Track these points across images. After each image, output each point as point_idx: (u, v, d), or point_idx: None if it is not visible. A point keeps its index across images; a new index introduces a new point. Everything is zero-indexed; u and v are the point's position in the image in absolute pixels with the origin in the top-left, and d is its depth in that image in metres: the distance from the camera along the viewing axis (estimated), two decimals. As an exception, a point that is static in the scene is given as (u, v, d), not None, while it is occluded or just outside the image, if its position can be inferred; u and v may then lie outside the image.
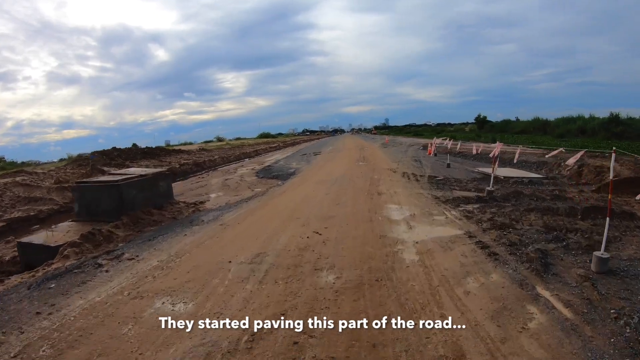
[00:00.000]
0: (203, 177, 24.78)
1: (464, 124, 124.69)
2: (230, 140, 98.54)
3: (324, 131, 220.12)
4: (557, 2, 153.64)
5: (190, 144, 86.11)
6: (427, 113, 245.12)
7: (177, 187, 19.45)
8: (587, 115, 53.69)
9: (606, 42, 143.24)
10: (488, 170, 16.69)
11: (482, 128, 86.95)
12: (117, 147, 38.26)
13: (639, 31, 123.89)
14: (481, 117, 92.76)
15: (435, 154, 27.60)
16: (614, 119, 48.64)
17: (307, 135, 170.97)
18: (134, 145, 44.74)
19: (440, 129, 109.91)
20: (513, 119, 79.07)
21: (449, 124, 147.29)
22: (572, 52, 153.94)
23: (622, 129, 45.96)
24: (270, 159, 36.35)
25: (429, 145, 31.19)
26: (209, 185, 20.10)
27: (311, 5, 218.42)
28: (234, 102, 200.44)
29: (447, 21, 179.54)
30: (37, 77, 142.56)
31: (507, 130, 63.93)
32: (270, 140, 67.38)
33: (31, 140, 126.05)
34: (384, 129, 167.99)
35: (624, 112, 48.64)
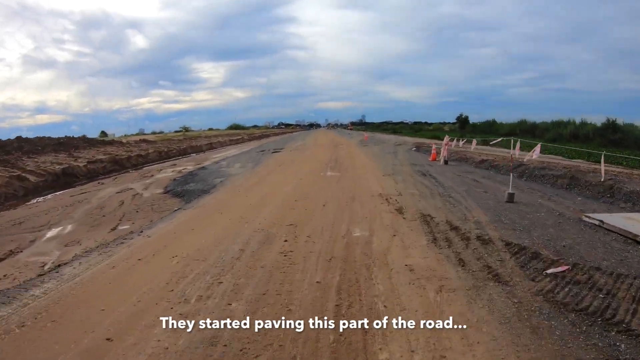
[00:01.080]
0: (101, 184, 16.12)
1: (442, 123, 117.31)
2: (201, 130, 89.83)
3: (299, 125, 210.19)
4: (535, 9, 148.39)
5: (162, 132, 77.96)
6: (403, 112, 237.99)
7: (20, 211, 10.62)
8: (558, 120, 51.89)
9: (581, 51, 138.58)
10: (620, 221, 7.55)
11: (464, 128, 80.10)
12: (24, 137, 29.37)
13: (612, 41, 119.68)
14: (463, 116, 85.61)
15: (446, 162, 18.40)
16: (611, 125, 43.62)
17: (281, 128, 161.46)
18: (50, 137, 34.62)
19: (418, 127, 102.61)
20: (479, 121, 73.16)
21: (427, 123, 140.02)
22: (549, 59, 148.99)
23: (621, 137, 41.22)
24: (217, 156, 27.59)
25: (432, 147, 22.19)
26: (73, 209, 11.15)
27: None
28: (210, 93, 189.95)
29: (428, 22, 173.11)
30: (12, 59, 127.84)
31: (491, 132, 58.53)
32: (234, 133, 58.54)
33: (3, 125, 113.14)
34: (361, 125, 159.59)
35: (596, 120, 46.69)
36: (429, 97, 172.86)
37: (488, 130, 61.52)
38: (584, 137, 43.32)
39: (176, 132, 79.64)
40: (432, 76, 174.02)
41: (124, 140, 41.08)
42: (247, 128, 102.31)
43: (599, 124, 44.78)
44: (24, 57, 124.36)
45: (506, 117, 70.94)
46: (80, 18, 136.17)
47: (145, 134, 72.28)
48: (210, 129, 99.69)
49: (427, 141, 35.85)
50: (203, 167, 19.91)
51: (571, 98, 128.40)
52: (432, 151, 20.68)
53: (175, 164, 23.22)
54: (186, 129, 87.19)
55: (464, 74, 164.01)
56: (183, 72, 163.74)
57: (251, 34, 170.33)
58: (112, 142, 39.29)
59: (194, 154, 32.25)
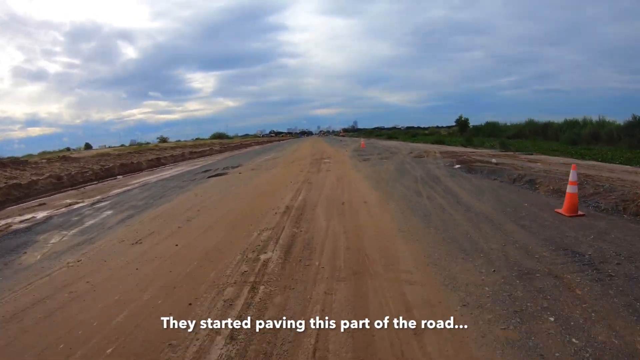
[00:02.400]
0: None
1: (437, 127, 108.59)
2: (179, 141, 79.40)
3: (291, 133, 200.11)
4: (522, 11, 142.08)
5: (148, 144, 68.71)
6: (395, 117, 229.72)
7: None
8: (547, 120, 47.26)
9: (569, 52, 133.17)
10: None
11: (465, 131, 69.62)
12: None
13: (599, 42, 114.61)
14: (462, 119, 75.07)
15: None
16: (638, 124, 36.16)
17: (271, 136, 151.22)
18: None
19: (413, 132, 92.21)
20: (480, 123, 63.68)
21: (420, 127, 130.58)
22: (537, 60, 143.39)
23: (657, 136, 32.65)
24: (133, 182, 16.57)
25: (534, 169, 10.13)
26: None
27: (283, 7, 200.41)
28: (202, 102, 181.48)
29: (416, 27, 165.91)
30: (2, 72, 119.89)
31: (497, 135, 50.44)
32: (209, 143, 47.27)
33: None
34: (353, 132, 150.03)
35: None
36: (418, 101, 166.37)
37: (492, 133, 53.06)
38: (607, 138, 36.78)
39: (158, 143, 69.19)
40: (421, 80, 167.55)
41: (43, 159, 30.02)
42: (231, 137, 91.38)
43: (620, 122, 37.54)
44: (14, 69, 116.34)
45: (496, 119, 63.92)
46: (70, 29, 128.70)
47: (112, 147, 61.78)
48: (197, 139, 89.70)
49: (445, 148, 25.01)
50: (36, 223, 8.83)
51: (560, 98, 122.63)
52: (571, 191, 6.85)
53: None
54: (163, 140, 76.53)
55: (453, 78, 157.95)
56: (174, 83, 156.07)
57: (242, 42, 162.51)
58: (25, 162, 28.23)
59: (120, 177, 21.32)
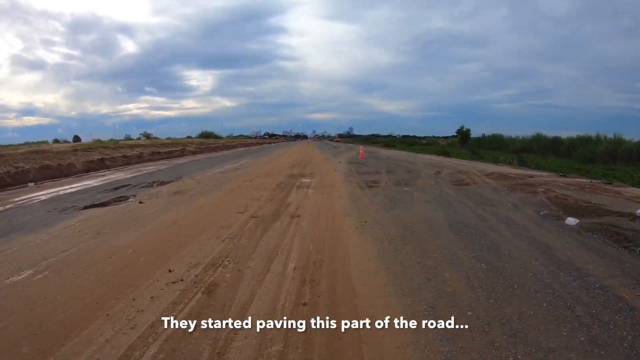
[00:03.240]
0: None
1: (435, 137, 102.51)
2: (177, 138, 72.45)
3: (286, 135, 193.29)
4: (521, 26, 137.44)
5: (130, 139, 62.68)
6: (390, 125, 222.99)
7: None
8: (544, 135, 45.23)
9: (565, 68, 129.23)
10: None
11: (466, 142, 63.13)
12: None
13: (596, 59, 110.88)
14: (464, 129, 68.57)
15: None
16: (664, 142, 31.87)
17: (264, 138, 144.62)
18: None
19: (411, 141, 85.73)
20: (479, 135, 57.94)
21: (415, 137, 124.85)
22: (534, 75, 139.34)
23: (689, 156, 29.21)
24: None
25: None
26: None
27: (283, 10, 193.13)
28: (199, 101, 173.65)
29: (415, 37, 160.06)
30: (0, 59, 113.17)
31: (501, 148, 45.99)
32: (186, 143, 39.84)
33: None
34: (348, 137, 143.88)
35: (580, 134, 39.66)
36: (413, 110, 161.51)
37: (496, 146, 48.59)
38: (626, 157, 33.17)
39: (142, 138, 62.22)
40: (418, 90, 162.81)
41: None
42: (220, 137, 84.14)
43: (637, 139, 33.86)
44: (12, 57, 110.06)
45: (492, 132, 60.27)
46: (70, 20, 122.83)
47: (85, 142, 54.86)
48: (189, 137, 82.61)
49: (469, 165, 18.42)
50: None
51: (555, 114, 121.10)
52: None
53: None
54: (147, 136, 69.43)
55: (449, 89, 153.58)
56: (172, 79, 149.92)
57: (241, 43, 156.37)
58: None
59: (32, 184, 14.39)
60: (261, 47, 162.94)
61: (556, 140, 49.58)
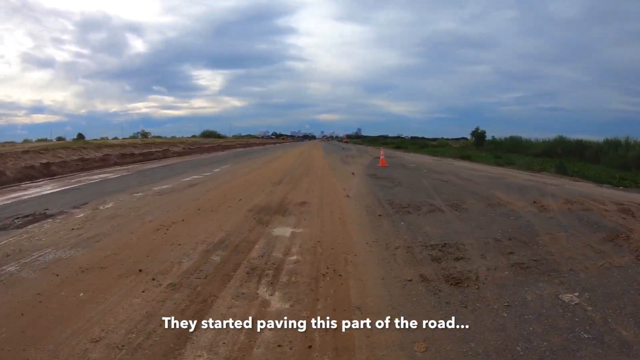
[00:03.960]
0: None
1: (446, 139, 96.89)
2: (182, 137, 67.75)
3: (294, 136, 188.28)
4: (529, 29, 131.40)
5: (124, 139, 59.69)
6: (398, 126, 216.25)
7: None
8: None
9: (573, 71, 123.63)
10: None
11: (481, 145, 57.24)
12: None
13: (603, 62, 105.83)
14: (479, 131, 62.59)
15: None
16: None
17: (272, 138, 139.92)
18: None
19: (422, 143, 79.89)
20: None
21: (423, 138, 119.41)
22: (541, 78, 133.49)
23: None
24: None
25: None
26: None
27: (292, 10, 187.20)
28: (208, 100, 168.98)
29: (424, 38, 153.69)
30: (10, 56, 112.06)
31: (520, 151, 41.02)
32: (165, 142, 34.20)
33: None
34: (357, 138, 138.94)
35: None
36: (421, 112, 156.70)
37: (514, 149, 43.05)
38: None
39: (135, 137, 57.46)
40: (426, 91, 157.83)
41: None
42: (223, 137, 78.99)
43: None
44: (22, 55, 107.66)
45: (499, 134, 55.92)
46: (80, 19, 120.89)
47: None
48: (194, 136, 77.80)
49: (512, 174, 12.47)
50: None
51: (563, 117, 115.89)
52: None
53: None
54: (145, 134, 64.18)
55: (457, 91, 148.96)
56: (180, 79, 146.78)
57: (250, 43, 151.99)
58: None
59: None
60: (270, 47, 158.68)
61: (582, 144, 43.82)
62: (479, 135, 62.36)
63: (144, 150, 27.10)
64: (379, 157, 19.21)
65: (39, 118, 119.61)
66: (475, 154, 37.65)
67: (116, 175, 14.76)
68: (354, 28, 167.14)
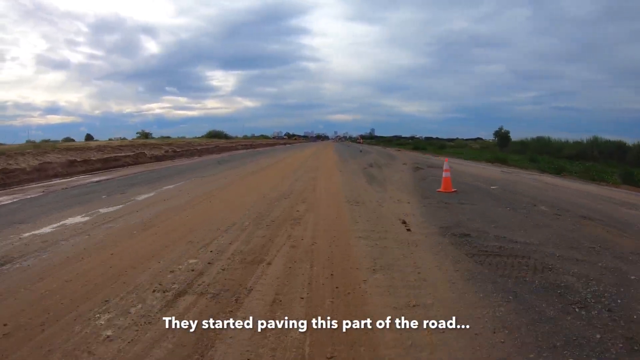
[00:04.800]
0: None
1: (464, 139, 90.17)
2: (195, 137, 62.69)
3: (307, 136, 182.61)
4: (543, 27, 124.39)
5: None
6: (412, 126, 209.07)
7: None
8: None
9: (588, 70, 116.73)
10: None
11: (506, 146, 50.73)
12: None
13: (618, 61, 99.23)
14: (502, 131, 55.73)
15: None
16: None
17: (284, 138, 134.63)
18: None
19: (439, 144, 73.14)
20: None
21: (438, 138, 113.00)
22: (556, 77, 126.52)
23: None
24: None
25: None
26: None
27: (304, 11, 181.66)
28: (221, 101, 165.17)
29: (437, 38, 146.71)
30: (25, 58, 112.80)
31: (549, 152, 36.60)
32: (144, 144, 28.60)
33: (14, 123, 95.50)
34: (370, 139, 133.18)
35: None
36: (435, 112, 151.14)
37: (542, 150, 38.29)
38: None
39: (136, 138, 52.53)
40: (438, 91, 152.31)
41: None
42: (231, 137, 73.11)
43: None
44: (37, 57, 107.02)
45: (516, 135, 51.43)
46: (94, 21, 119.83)
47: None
48: (205, 136, 72.63)
49: None
50: None
51: (577, 117, 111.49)
52: None
53: None
54: (145, 135, 58.68)
55: (471, 90, 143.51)
56: (194, 80, 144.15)
57: (263, 43, 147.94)
58: None
59: None
60: (283, 47, 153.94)
61: (622, 146, 37.28)
62: (502, 136, 55.30)
63: (111, 154, 21.32)
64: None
65: (54, 119, 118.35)
66: (509, 157, 31.67)
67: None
68: (366, 28, 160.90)
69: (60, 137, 50.31)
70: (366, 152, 31.57)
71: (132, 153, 22.63)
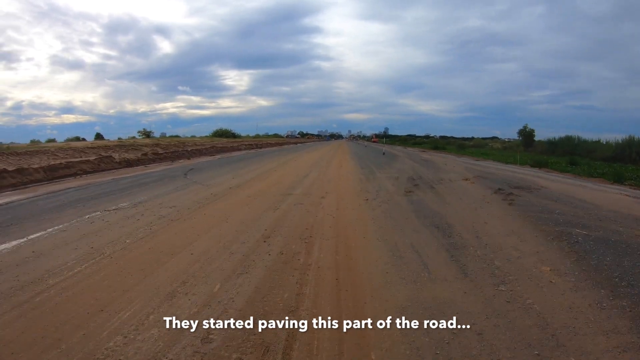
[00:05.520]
0: None
1: (478, 138, 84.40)
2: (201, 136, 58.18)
3: (320, 135, 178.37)
4: (558, 25, 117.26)
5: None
6: (426, 125, 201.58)
7: None
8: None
9: (605, 68, 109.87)
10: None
11: (531, 146, 44.83)
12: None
13: (636, 59, 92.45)
14: (527, 129, 49.71)
15: None
16: None
17: (297, 137, 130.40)
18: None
19: (457, 143, 67.31)
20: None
21: (453, 137, 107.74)
22: (572, 76, 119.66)
23: None
24: None
25: None
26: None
27: (318, 10, 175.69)
28: (235, 100, 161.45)
29: (451, 36, 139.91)
30: (40, 59, 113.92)
31: (580, 154, 30.75)
32: (126, 143, 24.33)
33: (30, 122, 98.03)
34: (384, 138, 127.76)
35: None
36: (450, 111, 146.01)
37: (574, 150, 32.96)
38: None
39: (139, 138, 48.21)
40: (453, 90, 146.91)
41: None
42: (238, 136, 68.05)
43: None
44: (52, 58, 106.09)
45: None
46: (107, 21, 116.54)
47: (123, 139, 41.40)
48: (217, 131, 67.94)
49: None
50: None
51: (595, 116, 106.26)
52: None
53: None
54: (147, 134, 53.97)
55: (486, 89, 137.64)
56: (208, 79, 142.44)
57: (276, 43, 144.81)
58: None
59: None
60: (296, 47, 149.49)
61: None
62: (527, 135, 49.37)
63: (63, 160, 16.63)
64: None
65: (69, 118, 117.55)
66: (549, 160, 26.37)
67: None
68: (380, 27, 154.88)
69: (75, 136, 48.16)
70: (391, 155, 26.11)
71: (95, 158, 17.90)
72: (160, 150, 23.44)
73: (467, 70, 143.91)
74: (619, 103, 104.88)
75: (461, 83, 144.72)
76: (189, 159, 23.84)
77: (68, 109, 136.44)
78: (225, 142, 35.61)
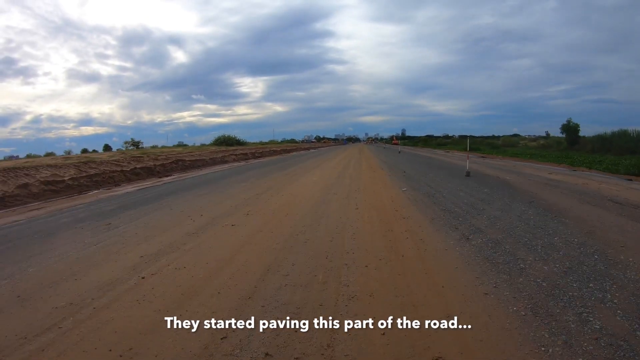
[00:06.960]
0: None
1: (514, 136, 75.46)
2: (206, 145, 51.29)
3: (337, 139, 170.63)
4: (573, 18, 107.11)
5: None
6: (443, 125, 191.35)
7: None
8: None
9: (622, 60, 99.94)
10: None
11: (577, 143, 36.30)
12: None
13: None
14: (571, 124, 40.83)
15: None
16: None
17: (311, 142, 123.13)
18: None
19: (491, 143, 58.27)
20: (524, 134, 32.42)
21: (472, 136, 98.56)
22: (588, 69, 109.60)
23: None
24: None
25: None
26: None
27: (330, 13, 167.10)
28: (251, 107, 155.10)
29: (464, 34, 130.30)
30: (57, 73, 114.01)
31: (617, 151, 24.44)
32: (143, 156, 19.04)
33: (49, 135, 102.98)
34: (403, 139, 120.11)
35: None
36: (466, 110, 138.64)
37: (628, 147, 25.62)
38: None
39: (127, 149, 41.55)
40: (468, 89, 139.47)
41: None
42: (243, 143, 60.00)
43: None
44: (68, 71, 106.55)
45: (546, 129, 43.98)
46: (122, 34, 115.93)
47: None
48: (216, 141, 59.79)
49: None
50: None
51: (613, 109, 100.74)
52: None
53: None
54: (136, 144, 46.53)
55: (502, 86, 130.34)
56: (223, 87, 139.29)
57: (290, 48, 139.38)
58: None
59: None
60: (310, 51, 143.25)
61: None
62: (571, 130, 40.35)
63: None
64: None
65: (88, 130, 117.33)
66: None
67: None
68: (392, 28, 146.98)
69: (92, 148, 46.39)
70: (429, 164, 18.11)
71: (68, 177, 10.77)
72: (112, 171, 15.90)
73: (481, 68, 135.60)
74: (638, 95, 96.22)
75: (476, 81, 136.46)
76: (158, 177, 16.54)
77: (86, 121, 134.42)
78: (208, 152, 27.98)
